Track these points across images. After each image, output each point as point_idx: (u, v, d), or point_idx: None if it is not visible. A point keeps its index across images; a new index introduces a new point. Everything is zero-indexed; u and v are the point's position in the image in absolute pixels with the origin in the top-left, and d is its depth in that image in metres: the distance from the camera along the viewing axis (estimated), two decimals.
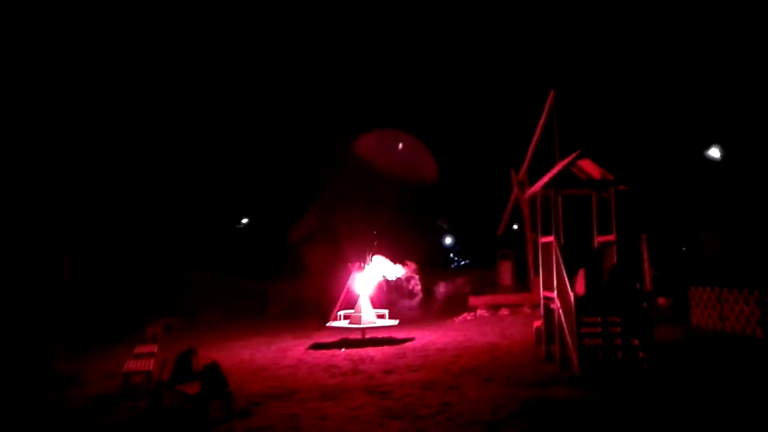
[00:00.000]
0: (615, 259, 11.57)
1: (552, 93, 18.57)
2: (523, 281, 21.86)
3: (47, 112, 19.79)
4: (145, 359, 11.13)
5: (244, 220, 27.78)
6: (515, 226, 25.54)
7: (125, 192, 22.46)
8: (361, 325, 14.88)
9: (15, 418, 8.99)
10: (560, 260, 11.02)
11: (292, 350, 14.13)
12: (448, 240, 19.51)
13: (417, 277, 20.44)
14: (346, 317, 15.48)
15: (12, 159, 18.14)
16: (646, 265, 16.84)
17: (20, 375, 11.63)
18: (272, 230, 27.14)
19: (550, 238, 11.52)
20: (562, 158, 13.36)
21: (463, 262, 32.62)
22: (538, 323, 12.99)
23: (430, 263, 24.17)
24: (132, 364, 10.66)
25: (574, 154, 11.93)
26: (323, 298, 19.24)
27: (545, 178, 12.31)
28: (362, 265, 16.04)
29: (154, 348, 12.53)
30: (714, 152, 19.46)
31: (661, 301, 16.67)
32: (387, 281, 17.34)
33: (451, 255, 31.85)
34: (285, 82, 26.33)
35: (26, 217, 17.58)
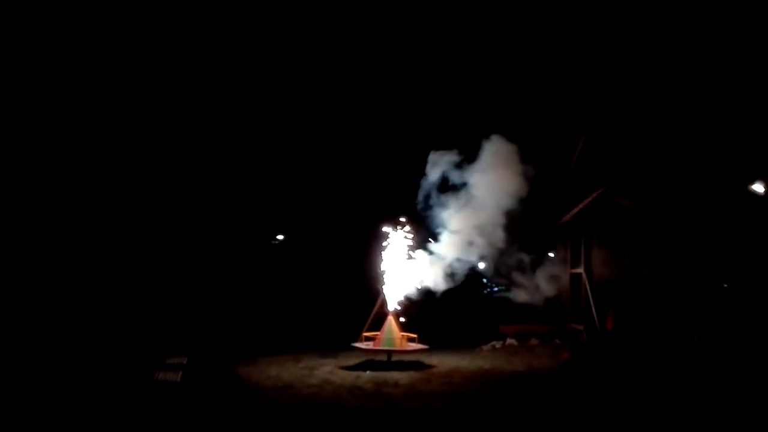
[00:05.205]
0: (646, 294, 11.42)
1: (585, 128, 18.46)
2: (557, 310, 21.49)
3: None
4: (173, 371, 11.63)
5: (280, 237, 28.16)
6: (551, 254, 25.26)
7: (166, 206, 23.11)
8: (388, 348, 14.92)
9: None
10: (589, 293, 10.94)
11: (318, 369, 14.25)
12: (481, 265, 19.33)
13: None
14: (369, 338, 15.55)
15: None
16: (678, 300, 16.46)
17: None
18: (307, 247, 27.41)
19: (580, 270, 11.44)
20: (595, 189, 13.26)
21: (496, 288, 32.18)
22: (565, 355, 12.85)
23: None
24: (161, 375, 11.30)
25: (600, 190, 11.88)
26: (356, 317, 19.28)
27: (573, 212, 12.27)
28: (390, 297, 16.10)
29: (183, 359, 13.02)
30: (758, 187, 18.90)
31: (696, 337, 16.23)
32: (416, 302, 17.29)
33: (485, 280, 31.40)
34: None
35: None
